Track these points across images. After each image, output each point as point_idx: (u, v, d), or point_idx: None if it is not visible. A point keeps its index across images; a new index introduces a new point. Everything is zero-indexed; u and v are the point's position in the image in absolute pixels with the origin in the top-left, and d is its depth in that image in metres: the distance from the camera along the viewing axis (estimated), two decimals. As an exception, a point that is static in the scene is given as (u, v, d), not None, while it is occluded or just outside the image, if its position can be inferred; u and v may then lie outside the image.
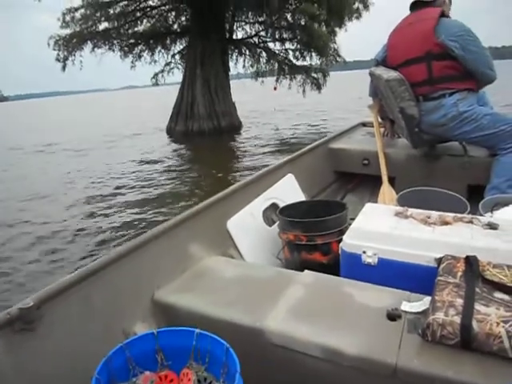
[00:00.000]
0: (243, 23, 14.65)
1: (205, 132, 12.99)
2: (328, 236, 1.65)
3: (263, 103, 22.20)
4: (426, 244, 1.29)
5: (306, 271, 1.39)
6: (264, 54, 14.79)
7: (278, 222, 1.84)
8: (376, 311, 1.12)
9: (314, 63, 14.36)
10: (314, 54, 13.92)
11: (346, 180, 2.97)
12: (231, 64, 14.86)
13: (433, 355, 0.94)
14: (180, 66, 14.67)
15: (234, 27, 14.69)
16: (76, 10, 13.27)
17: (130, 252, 1.35)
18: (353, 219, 1.52)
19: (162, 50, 14.84)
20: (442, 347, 0.94)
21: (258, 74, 14.98)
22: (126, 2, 13.53)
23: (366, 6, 14.22)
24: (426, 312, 1.01)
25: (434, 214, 1.46)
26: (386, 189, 2.45)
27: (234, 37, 14.78)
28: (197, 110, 13.26)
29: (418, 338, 0.99)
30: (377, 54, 2.62)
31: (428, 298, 1.08)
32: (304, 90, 14.64)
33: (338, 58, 14.44)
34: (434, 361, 0.92)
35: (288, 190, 2.23)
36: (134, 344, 0.98)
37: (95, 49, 13.75)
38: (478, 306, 0.96)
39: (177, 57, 14.92)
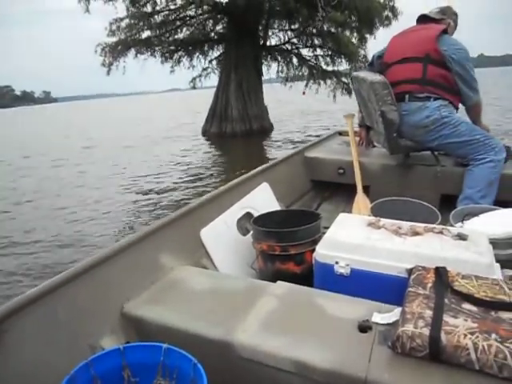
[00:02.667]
0: (276, 30, 15.30)
1: (237, 134, 13.60)
2: (301, 246, 1.65)
3: (293, 107, 22.83)
4: (397, 255, 1.30)
5: (278, 282, 1.38)
6: (295, 59, 15.41)
7: (252, 232, 1.82)
8: (347, 323, 1.12)
9: (343, 68, 14.84)
10: (343, 59, 14.40)
11: (321, 188, 2.98)
12: (264, 69, 15.47)
13: (402, 368, 0.93)
14: (216, 71, 15.33)
15: (268, 34, 15.28)
16: (121, 19, 14.04)
17: (100, 263, 1.32)
18: (327, 228, 1.52)
19: (200, 56, 15.62)
20: (412, 360, 0.94)
21: (287, 79, 15.65)
22: (167, 12, 14.20)
23: (396, 15, 14.53)
24: (397, 324, 1.01)
25: (406, 224, 1.48)
26: (360, 198, 2.47)
27: (268, 43, 15.38)
28: (230, 112, 13.92)
29: (388, 350, 0.98)
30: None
31: (399, 309, 1.08)
32: (335, 95, 15.06)
33: (366, 64, 14.56)
34: (404, 374, 0.92)
35: (263, 199, 2.22)
36: (100, 360, 0.95)
37: (138, 55, 14.54)
38: (446, 318, 0.96)
39: (214, 62, 15.63)
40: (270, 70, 15.69)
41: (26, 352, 1.06)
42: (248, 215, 2.05)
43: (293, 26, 14.65)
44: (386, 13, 14.21)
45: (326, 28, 13.67)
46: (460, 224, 1.78)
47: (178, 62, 15.45)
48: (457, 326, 0.93)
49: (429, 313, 0.98)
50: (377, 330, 1.07)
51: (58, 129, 24.65)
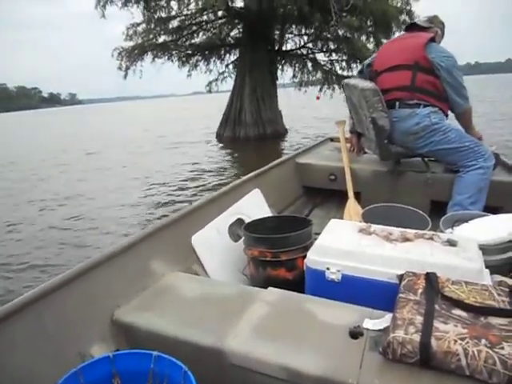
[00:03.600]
0: (291, 35, 15.23)
1: (250, 138, 13.60)
2: (293, 252, 1.64)
3: (307, 111, 22.82)
4: (388, 261, 1.30)
5: (269, 288, 1.38)
6: (310, 64, 15.30)
7: (243, 238, 1.82)
8: (339, 329, 1.12)
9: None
10: (359, 64, 14.14)
11: (313, 195, 2.99)
12: (278, 74, 15.40)
13: (393, 374, 0.93)
14: (233, 75, 15.29)
15: (283, 39, 15.23)
16: (138, 24, 14.11)
17: (90, 269, 1.31)
18: (319, 234, 1.52)
19: (217, 60, 15.64)
20: (403, 366, 0.94)
21: (301, 84, 15.60)
22: (183, 17, 14.25)
23: (412, 19, 14.19)
24: (387, 330, 1.02)
25: (396, 230, 1.48)
26: (351, 204, 2.48)
27: (284, 48, 15.36)
28: (244, 117, 13.87)
29: (380, 356, 0.98)
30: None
31: (390, 315, 1.08)
32: None
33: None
34: (395, 380, 0.92)
35: (254, 205, 2.22)
36: (89, 368, 0.94)
37: (155, 59, 14.57)
38: (436, 324, 0.97)
39: (230, 66, 15.62)
40: (285, 74, 15.73)
41: (14, 360, 1.04)
42: (239, 221, 2.05)
43: (308, 31, 14.64)
44: (402, 17, 14.02)
45: (341, 33, 13.60)
46: (450, 230, 1.80)
47: (195, 66, 15.53)
48: (447, 331, 0.93)
49: (419, 319, 0.99)
50: (368, 336, 1.07)
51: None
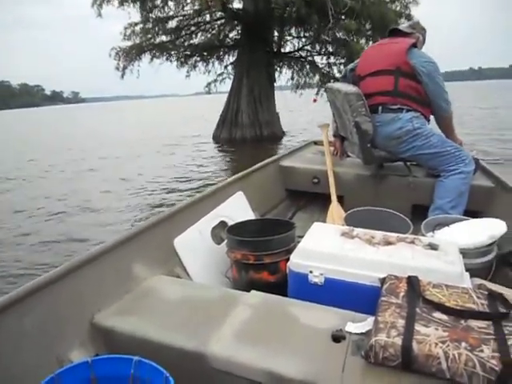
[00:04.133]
0: (290, 38, 15.18)
1: (247, 140, 13.51)
2: (276, 255, 1.64)
3: (304, 114, 22.60)
4: (370, 264, 1.31)
5: (252, 291, 1.37)
6: (308, 66, 15.19)
7: (226, 241, 1.81)
8: (321, 333, 1.11)
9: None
10: None
11: (296, 198, 3.00)
12: (277, 76, 15.38)
13: (375, 378, 0.94)
14: (232, 76, 15.15)
15: (282, 41, 15.16)
16: (136, 24, 14.03)
17: (70, 272, 1.28)
18: (302, 237, 1.52)
19: (216, 61, 15.57)
20: (385, 369, 0.95)
21: (297, 86, 15.50)
22: (181, 18, 14.19)
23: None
24: (370, 333, 1.02)
25: (379, 234, 1.49)
26: (334, 207, 2.49)
27: (282, 50, 15.28)
28: (241, 118, 13.79)
29: (362, 360, 0.99)
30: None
31: (372, 319, 1.09)
32: None
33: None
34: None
35: (237, 208, 2.21)
36: (67, 374, 0.92)
37: (154, 59, 14.54)
38: (418, 327, 0.97)
39: (229, 68, 15.50)
40: (282, 76, 15.69)
41: None
42: (222, 224, 2.03)
43: (306, 34, 14.50)
44: (401, 21, 13.71)
45: (339, 36, 13.49)
46: (431, 234, 1.82)
47: (194, 66, 15.47)
48: (428, 335, 0.94)
49: (401, 322, 0.99)
50: (350, 340, 1.07)
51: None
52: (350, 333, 1.10)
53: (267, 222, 2.00)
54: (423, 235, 1.77)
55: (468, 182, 2.28)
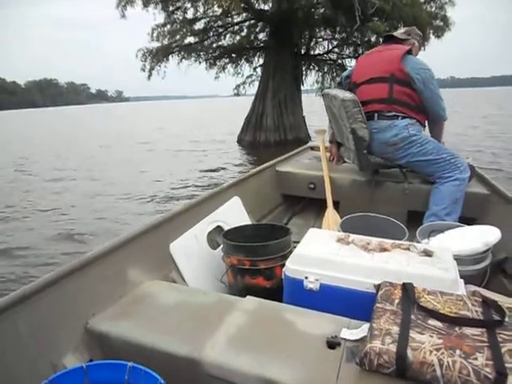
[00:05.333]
0: (320, 39, 14.93)
1: (271, 143, 13.40)
2: (271, 261, 1.64)
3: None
4: (365, 270, 1.31)
5: (248, 297, 1.37)
6: (337, 69, 14.93)
7: (222, 246, 1.81)
8: (316, 339, 1.11)
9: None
10: None
11: (292, 203, 3.00)
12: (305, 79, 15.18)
13: None
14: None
15: (311, 43, 14.91)
16: (163, 25, 13.97)
17: (64, 276, 1.27)
18: (298, 243, 1.52)
19: (245, 63, 15.49)
20: (379, 376, 0.95)
21: (322, 90, 15.11)
22: (207, 19, 14.07)
23: (448, 25, 13.77)
24: (365, 340, 1.02)
25: (374, 240, 1.50)
26: (330, 213, 2.50)
27: (312, 52, 15.05)
28: (265, 121, 13.62)
29: (357, 366, 0.98)
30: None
31: (367, 325, 1.09)
32: None
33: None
34: None
35: (233, 213, 2.21)
36: (61, 379, 0.92)
37: (182, 60, 14.51)
38: (413, 334, 0.97)
39: (258, 70, 15.30)
40: (309, 79, 15.54)
41: None
42: (218, 229, 2.03)
43: (335, 36, 14.24)
44: (437, 22, 13.47)
45: (372, 38, 12.95)
46: (426, 240, 1.83)
47: (223, 68, 15.43)
48: (423, 342, 0.94)
49: (396, 329, 0.99)
50: (345, 346, 1.07)
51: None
52: (345, 339, 1.10)
53: (263, 227, 2.01)
54: (418, 242, 1.77)
55: (463, 189, 2.29)
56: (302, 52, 14.82)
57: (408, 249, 1.43)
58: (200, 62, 14.89)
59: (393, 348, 0.93)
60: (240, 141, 14.24)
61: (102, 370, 0.94)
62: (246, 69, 15.53)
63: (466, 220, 2.15)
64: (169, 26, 14.04)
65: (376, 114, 2.38)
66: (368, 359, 0.95)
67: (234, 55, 15.20)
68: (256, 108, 14.06)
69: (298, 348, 1.09)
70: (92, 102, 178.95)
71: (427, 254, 1.39)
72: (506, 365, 0.87)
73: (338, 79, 14.69)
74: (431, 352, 0.91)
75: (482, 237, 1.74)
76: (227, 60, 15.40)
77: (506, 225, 1.89)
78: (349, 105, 2.32)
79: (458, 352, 0.91)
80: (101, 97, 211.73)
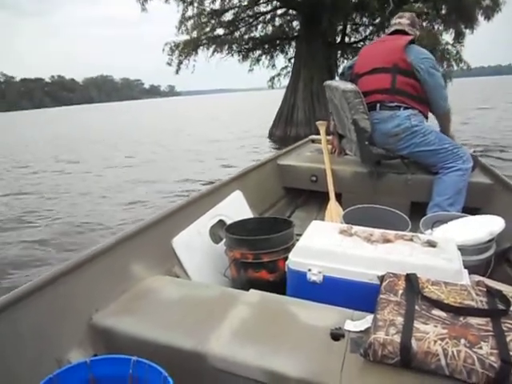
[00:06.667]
0: (355, 26, 14.24)
1: (301, 138, 12.76)
2: (274, 254, 1.64)
3: None
4: (368, 262, 1.31)
5: (251, 290, 1.37)
6: None
7: (224, 240, 1.81)
8: (320, 331, 1.11)
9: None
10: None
11: (294, 196, 3.00)
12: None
13: (374, 376, 0.94)
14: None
15: (345, 31, 14.23)
16: (190, 18, 13.64)
17: (68, 272, 1.28)
18: (300, 235, 1.52)
19: (280, 54, 15.00)
20: (384, 367, 0.95)
21: None
22: (236, 9, 13.72)
23: (498, 4, 12.47)
24: (369, 331, 1.02)
25: (377, 231, 1.49)
26: (332, 205, 2.49)
27: (347, 40, 14.40)
28: (296, 115, 13.01)
29: (361, 357, 0.98)
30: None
31: (371, 316, 1.09)
32: None
33: (460, 63, 12.57)
34: (376, 381, 0.92)
35: (236, 207, 2.21)
36: (65, 374, 0.92)
37: (214, 53, 14.15)
38: (417, 324, 0.97)
39: (293, 61, 14.65)
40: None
41: None
42: (221, 223, 2.03)
43: (370, 21, 13.37)
44: (485, 2, 12.21)
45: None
46: (429, 231, 1.82)
47: (257, 60, 15.00)
48: (427, 332, 0.94)
49: (400, 320, 0.99)
50: (349, 338, 1.07)
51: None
52: (349, 331, 1.10)
53: (265, 221, 2.00)
54: (422, 232, 1.77)
55: (466, 179, 2.28)
56: (337, 40, 14.03)
57: (411, 240, 1.42)
58: (232, 55, 14.50)
59: (397, 338, 0.93)
60: (271, 135, 13.60)
61: (106, 365, 0.94)
62: (281, 60, 15.12)
63: (470, 210, 2.14)
64: (196, 19, 13.68)
65: (378, 105, 2.37)
66: (372, 350, 0.95)
67: (266, 46, 14.73)
68: (287, 101, 13.46)
69: (302, 340, 1.09)
70: (145, 97, 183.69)
71: (431, 244, 1.38)
72: (511, 353, 0.87)
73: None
74: (435, 342, 0.91)
75: (485, 226, 1.73)
76: (261, 52, 14.95)
77: (510, 214, 1.88)
78: (350, 96, 2.31)
79: (462, 341, 0.90)
80: (154, 92, 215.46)
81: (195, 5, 13.43)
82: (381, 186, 2.58)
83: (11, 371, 1.05)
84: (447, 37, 12.74)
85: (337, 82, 2.53)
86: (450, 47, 12.45)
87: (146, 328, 1.19)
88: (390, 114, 2.33)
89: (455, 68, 12.79)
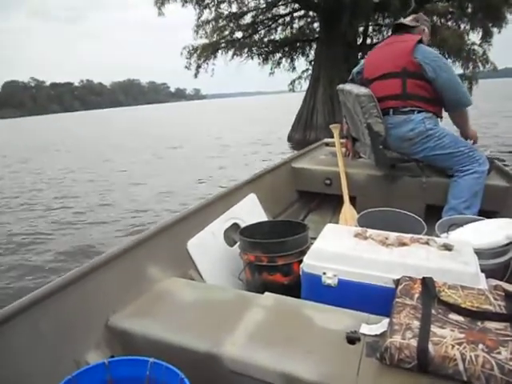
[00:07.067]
0: (376, 26, 13.95)
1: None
2: (289, 257, 1.64)
3: None
4: (384, 265, 1.30)
5: (266, 293, 1.37)
6: None
7: (239, 243, 1.82)
8: (335, 334, 1.11)
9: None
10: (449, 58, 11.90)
11: (308, 199, 2.99)
12: None
13: (391, 380, 0.93)
14: None
15: (367, 32, 13.97)
16: (208, 22, 13.66)
17: (85, 275, 1.29)
18: (314, 239, 1.52)
19: (301, 57, 14.93)
20: (400, 371, 0.94)
21: None
22: (254, 12, 13.70)
23: None
24: (385, 335, 1.01)
25: (392, 235, 1.48)
26: (347, 209, 2.48)
27: (369, 42, 14.04)
28: (316, 119, 12.83)
29: (377, 361, 0.98)
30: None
31: (386, 320, 1.08)
32: None
33: (486, 64, 12.23)
34: None
35: (250, 210, 2.22)
36: (84, 375, 0.93)
37: (234, 57, 14.17)
38: (434, 328, 0.96)
39: (313, 64, 14.55)
40: None
41: (9, 367, 1.03)
42: (235, 226, 2.04)
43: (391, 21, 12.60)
44: None
45: (432, 21, 11.18)
46: (445, 234, 1.80)
47: (278, 63, 14.89)
48: (444, 336, 0.93)
49: (416, 323, 0.99)
50: (365, 342, 1.07)
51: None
52: (365, 334, 1.09)
53: (280, 224, 2.00)
54: (437, 236, 1.75)
55: (482, 182, 2.25)
56: (359, 42, 13.64)
57: (427, 243, 1.41)
58: (252, 58, 14.42)
59: (414, 343, 0.92)
60: (290, 139, 13.40)
61: (123, 366, 0.96)
62: (302, 63, 14.93)
63: (486, 213, 2.12)
64: (214, 22, 13.65)
65: (391, 110, 2.35)
66: (389, 354, 0.94)
67: (286, 49, 14.60)
68: (307, 104, 13.26)
69: (318, 343, 1.09)
70: (171, 101, 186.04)
71: (447, 247, 1.37)
72: (531, 359, 0.86)
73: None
74: (453, 346, 0.90)
75: (502, 230, 1.71)
76: (281, 54, 14.82)
77: None
78: (364, 100, 2.30)
79: (480, 346, 0.90)
80: (179, 95, 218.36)
81: (212, 8, 13.38)
82: (395, 189, 2.56)
83: (30, 372, 1.07)
84: (474, 36, 12.34)
85: (350, 86, 2.52)
86: (476, 47, 12.10)
87: (162, 330, 1.20)
88: (404, 119, 2.31)
89: (481, 69, 12.35)
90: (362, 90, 2.33)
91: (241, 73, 14.57)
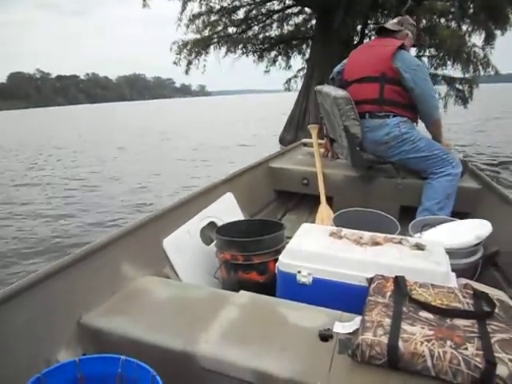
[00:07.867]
0: (373, 26, 12.98)
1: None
2: (264, 255, 1.65)
3: None
4: (358, 264, 1.32)
5: (241, 291, 1.37)
6: None
7: (215, 241, 1.81)
8: (309, 332, 1.12)
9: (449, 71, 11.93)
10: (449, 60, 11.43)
11: (285, 199, 3.00)
12: None
13: (362, 376, 0.95)
14: None
15: (364, 31, 13.18)
16: (200, 15, 12.97)
17: (57, 272, 1.27)
18: (291, 238, 1.53)
19: (298, 55, 14.39)
20: (371, 368, 0.95)
21: None
22: (247, 7, 13.16)
23: None
24: (357, 332, 1.03)
25: (366, 234, 1.50)
26: (323, 208, 2.51)
27: (366, 41, 13.01)
28: (308, 119, 12.16)
29: (349, 358, 0.99)
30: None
31: (359, 318, 1.09)
32: (446, 105, 11.85)
33: (487, 68, 11.55)
34: (363, 382, 0.93)
35: (227, 209, 2.21)
36: (54, 373, 0.92)
37: (228, 53, 13.56)
38: (404, 326, 0.98)
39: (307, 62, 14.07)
40: None
41: None
42: (212, 225, 2.03)
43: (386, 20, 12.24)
44: None
45: (424, 21, 10.96)
46: (418, 234, 1.84)
47: (274, 61, 14.34)
48: (414, 333, 0.95)
49: (388, 321, 1.00)
50: (338, 339, 1.08)
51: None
52: (338, 332, 1.10)
53: (256, 223, 2.00)
54: (411, 236, 1.78)
55: (455, 184, 2.30)
56: (355, 41, 12.95)
57: (400, 242, 1.44)
58: (247, 55, 13.90)
59: (384, 340, 0.94)
60: (282, 140, 12.95)
61: (94, 364, 0.94)
62: (298, 61, 14.42)
63: (459, 214, 2.17)
64: (205, 17, 13.04)
65: (367, 114, 2.38)
66: (360, 351, 0.96)
67: (281, 46, 14.11)
68: (299, 105, 12.81)
69: (292, 341, 1.10)
70: (176, 96, 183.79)
71: (419, 247, 1.40)
72: (496, 354, 0.88)
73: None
74: (422, 343, 0.92)
75: (473, 230, 1.76)
76: (277, 52, 14.29)
77: (498, 218, 1.90)
78: (341, 102, 2.32)
79: (448, 343, 0.92)
80: (184, 91, 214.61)
81: (202, 2, 12.73)
82: (371, 189, 2.60)
83: None
84: (477, 38, 11.75)
85: (328, 88, 2.54)
86: (477, 50, 11.55)
87: (136, 328, 1.19)
88: (380, 123, 2.34)
89: (482, 73, 11.79)
90: (340, 93, 2.35)
91: (248, 70, 14.10)
